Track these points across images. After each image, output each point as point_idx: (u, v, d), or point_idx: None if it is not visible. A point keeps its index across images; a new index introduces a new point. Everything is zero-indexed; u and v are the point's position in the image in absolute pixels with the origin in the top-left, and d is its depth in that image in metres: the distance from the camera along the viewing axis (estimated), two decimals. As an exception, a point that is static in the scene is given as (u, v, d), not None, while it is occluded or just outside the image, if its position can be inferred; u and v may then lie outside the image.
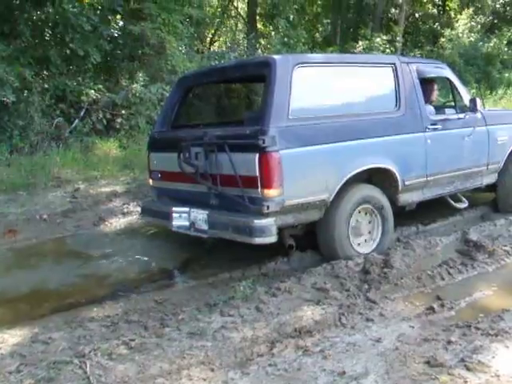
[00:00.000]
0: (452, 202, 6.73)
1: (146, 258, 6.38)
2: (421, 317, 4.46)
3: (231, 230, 5.19)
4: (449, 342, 3.91)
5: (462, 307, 4.67)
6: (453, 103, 6.90)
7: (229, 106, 11.97)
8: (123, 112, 11.29)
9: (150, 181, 6.48)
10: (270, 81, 5.13)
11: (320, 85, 5.54)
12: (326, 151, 5.27)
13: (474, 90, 17.94)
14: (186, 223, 5.62)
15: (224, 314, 4.53)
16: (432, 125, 6.16)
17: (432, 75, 6.74)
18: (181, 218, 5.66)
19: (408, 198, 6.08)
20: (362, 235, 5.73)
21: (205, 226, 5.46)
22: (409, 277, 5.18)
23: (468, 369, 3.54)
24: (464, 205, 6.85)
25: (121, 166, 9.76)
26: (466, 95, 6.69)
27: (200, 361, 3.81)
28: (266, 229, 4.96)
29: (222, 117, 10.34)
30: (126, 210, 7.68)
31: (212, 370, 3.69)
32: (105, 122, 11.19)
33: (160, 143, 6.27)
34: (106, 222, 7.26)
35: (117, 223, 7.25)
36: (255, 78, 5.80)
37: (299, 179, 5.11)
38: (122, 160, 10.02)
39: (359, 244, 5.70)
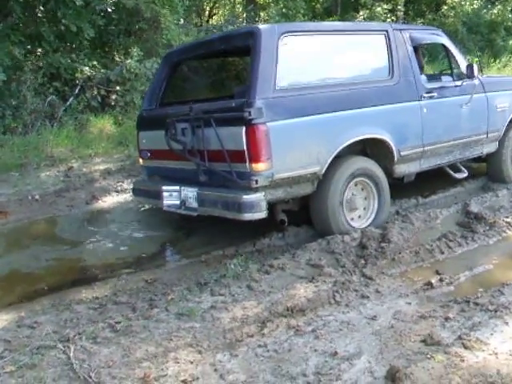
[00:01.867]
0: (451, 172, 6.53)
1: (138, 237, 6.25)
2: (418, 293, 4.32)
3: (220, 207, 5.05)
4: (446, 319, 3.78)
5: (461, 282, 4.53)
6: (449, 71, 6.66)
7: (221, 80, 11.72)
8: (118, 88, 11.06)
9: (140, 160, 6.33)
10: (255, 51, 4.93)
11: (308, 54, 5.34)
12: (315, 122, 5.09)
13: (477, 59, 17.57)
14: (177, 202, 5.48)
15: (214, 293, 4.39)
16: (427, 93, 5.95)
17: (427, 42, 6.52)
18: (171, 196, 5.51)
19: (404, 170, 5.90)
20: (358, 209, 5.56)
21: (195, 204, 5.32)
22: (407, 251, 5.02)
23: (465, 347, 3.39)
24: (464, 175, 6.65)
25: (115, 142, 9.58)
26: (463, 62, 6.45)
27: (187, 343, 3.68)
28: (256, 204, 4.80)
29: (213, 92, 10.09)
30: (119, 188, 7.52)
31: (199, 353, 3.55)
32: (99, 98, 10.95)
33: (148, 121, 6.11)
34: (99, 201, 7.11)
35: (110, 201, 7.10)
36: (241, 49, 5.56)
37: (288, 152, 4.94)
38: (117, 137, 9.84)
39: (354, 218, 5.55)
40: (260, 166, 4.78)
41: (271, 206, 5.19)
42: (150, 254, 5.82)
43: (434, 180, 6.89)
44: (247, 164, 4.82)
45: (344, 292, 4.27)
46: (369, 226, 5.51)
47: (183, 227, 6.32)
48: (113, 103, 11.04)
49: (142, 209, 6.78)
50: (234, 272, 4.69)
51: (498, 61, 18.35)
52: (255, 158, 4.77)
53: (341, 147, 5.19)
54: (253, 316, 3.99)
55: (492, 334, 3.53)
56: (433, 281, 4.46)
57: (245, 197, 4.81)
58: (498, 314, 3.79)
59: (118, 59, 11.55)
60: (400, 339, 3.56)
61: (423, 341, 3.51)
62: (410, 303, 4.11)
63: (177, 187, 5.47)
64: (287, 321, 3.87)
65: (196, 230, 6.27)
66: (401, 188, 6.43)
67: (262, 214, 4.86)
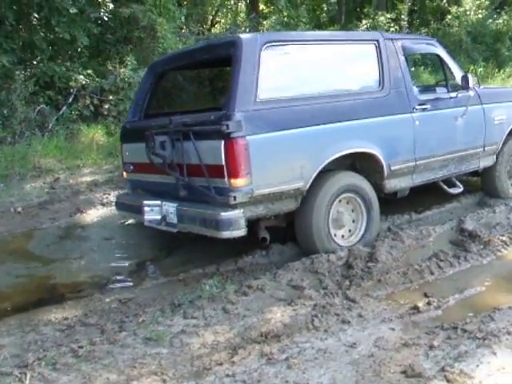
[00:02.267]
0: (445, 187, 6.26)
1: (119, 253, 6.00)
2: (403, 317, 4.06)
3: (199, 224, 4.82)
4: (431, 347, 3.53)
5: (450, 305, 4.27)
6: (444, 82, 6.39)
7: (208, 91, 11.50)
8: (111, 97, 10.86)
9: (124, 173, 6.12)
10: (235, 61, 4.71)
11: (293, 65, 5.11)
12: (299, 136, 4.84)
13: (481, 69, 17.34)
14: (158, 217, 5.25)
15: (187, 315, 4.15)
16: (420, 105, 5.69)
17: (421, 52, 6.28)
18: (152, 211, 5.28)
19: (395, 185, 5.64)
20: (345, 226, 5.30)
21: (175, 220, 5.09)
22: (394, 272, 4.77)
23: (448, 380, 3.16)
24: (459, 190, 6.37)
25: (105, 153, 9.35)
26: (458, 73, 6.18)
27: (152, 371, 3.45)
28: (234, 221, 4.56)
29: (200, 103, 9.83)
30: (105, 201, 7.28)
31: (164, 382, 3.34)
32: (92, 108, 10.74)
33: (131, 134, 5.89)
34: (84, 214, 6.87)
35: (94, 215, 6.86)
36: (224, 59, 5.30)
37: (270, 167, 4.70)
38: (108, 147, 9.61)
39: (342, 236, 5.29)
40: (239, 182, 4.54)
41: (254, 223, 4.95)
42: (128, 272, 5.58)
43: (428, 195, 6.63)
44: (226, 179, 4.59)
45: (324, 316, 4.02)
46: (357, 243, 5.25)
47: (165, 244, 6.06)
48: (105, 112, 10.82)
49: (126, 223, 6.52)
50: (210, 293, 4.44)
51: (502, 71, 18.09)
52: (234, 173, 4.53)
53: (326, 162, 4.95)
54: (224, 342, 3.75)
55: (478, 366, 3.27)
56: (420, 304, 4.21)
57: (223, 214, 4.58)
58: (486, 342, 3.52)
59: (111, 68, 11.29)
60: (379, 370, 3.31)
61: (404, 372, 3.27)
62: (393, 329, 3.85)
63: (158, 202, 5.25)
64: (260, 348, 3.63)
65: (178, 247, 6.02)
66: (394, 203, 6.18)
67: (240, 232, 4.62)
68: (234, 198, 4.54)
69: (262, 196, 4.68)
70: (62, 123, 10.09)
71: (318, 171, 4.92)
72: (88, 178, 7.88)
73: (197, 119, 5.03)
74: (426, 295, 4.42)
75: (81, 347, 3.74)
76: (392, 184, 5.59)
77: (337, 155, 5.00)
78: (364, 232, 5.36)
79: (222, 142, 4.54)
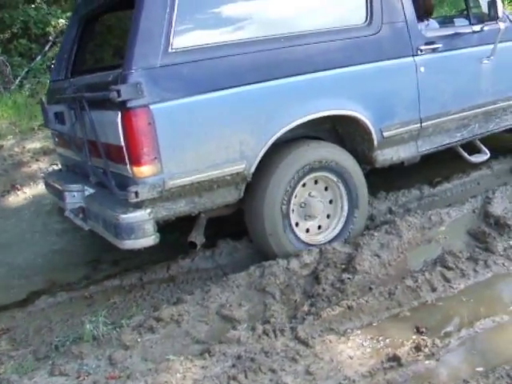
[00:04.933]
0: (465, 154, 4.64)
1: (25, 256, 4.55)
2: (374, 376, 2.63)
3: (102, 225, 3.47)
4: None
5: (452, 349, 2.82)
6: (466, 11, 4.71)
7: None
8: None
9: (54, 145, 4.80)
10: None
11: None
12: (236, 98, 3.34)
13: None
14: (76, 206, 3.88)
15: (54, 371, 2.80)
16: (427, 44, 4.06)
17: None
18: (74, 197, 3.90)
19: (391, 156, 4.10)
20: (316, 218, 3.83)
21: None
22: (377, 290, 3.30)
23: None
24: (484, 157, 4.73)
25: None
26: (483, -2, 4.44)
27: None
28: (136, 227, 3.17)
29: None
30: (49, 173, 5.91)
31: None
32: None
33: (53, 96, 4.49)
34: (18, 192, 5.56)
35: (28, 194, 5.52)
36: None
37: (189, 146, 3.25)
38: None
39: (307, 231, 3.85)
40: (142, 171, 3.13)
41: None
42: (25, 286, 4.12)
43: (448, 159, 5.01)
44: (128, 166, 3.19)
45: (248, 377, 2.62)
46: (334, 240, 3.80)
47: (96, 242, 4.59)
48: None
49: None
50: (96, 332, 3.07)
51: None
52: (134, 159, 3.13)
53: (280, 132, 3.46)
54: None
55: None
56: (404, 350, 2.78)
57: (122, 216, 3.18)
58: None
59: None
60: None
61: None
62: (352, 403, 2.44)
63: (79, 186, 3.87)
64: None
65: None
66: (401, 173, 4.70)
67: (147, 241, 3.23)
68: (136, 193, 3.13)
69: (179, 188, 3.25)
70: (32, 76, 8.71)
71: (267, 146, 3.44)
72: (38, 145, 6.49)
73: (94, 80, 3.62)
74: (417, 330, 2.99)
75: None
76: (386, 155, 4.06)
77: (296, 122, 3.50)
78: (344, 223, 3.89)
79: (119, 115, 3.13)
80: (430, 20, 4.59)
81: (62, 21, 9.56)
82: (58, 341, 3.15)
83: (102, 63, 5.94)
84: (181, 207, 3.33)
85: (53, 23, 9.55)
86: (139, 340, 2.98)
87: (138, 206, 3.19)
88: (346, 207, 3.89)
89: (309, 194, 3.79)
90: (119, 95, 3.02)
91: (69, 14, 9.34)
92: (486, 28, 4.34)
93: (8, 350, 3.19)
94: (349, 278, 3.39)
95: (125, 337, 2.98)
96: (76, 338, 3.12)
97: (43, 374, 2.80)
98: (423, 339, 2.86)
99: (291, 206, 3.66)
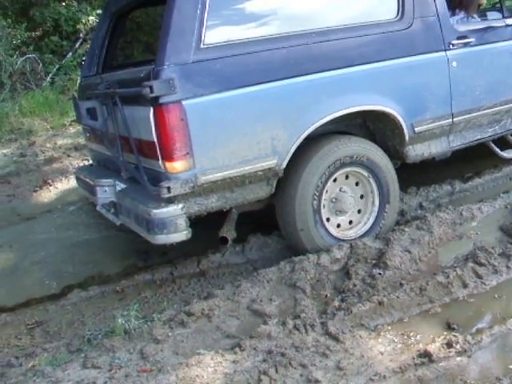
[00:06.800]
0: (497, 149, 4.60)
1: (52, 253, 4.55)
2: (405, 372, 2.63)
3: (134, 220, 3.51)
4: None
5: (484, 346, 2.80)
6: (499, 5, 4.65)
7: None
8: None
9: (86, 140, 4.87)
10: None
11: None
12: (268, 93, 3.34)
13: None
14: (108, 201, 3.93)
15: (87, 364, 2.84)
16: (460, 38, 4.03)
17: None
18: (105, 192, 3.95)
19: (423, 152, 4.07)
20: (347, 212, 3.83)
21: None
22: (408, 285, 3.29)
23: None
24: (516, 152, 4.70)
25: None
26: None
27: None
28: (169, 222, 3.20)
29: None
30: (81, 169, 5.97)
31: None
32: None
33: (84, 92, 4.53)
34: (50, 187, 5.64)
35: (60, 189, 5.60)
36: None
37: (221, 142, 3.26)
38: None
39: (339, 226, 3.85)
40: (175, 166, 3.16)
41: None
42: (58, 279, 4.14)
43: (480, 154, 4.96)
44: (160, 162, 3.23)
45: (279, 372, 2.63)
46: (365, 236, 3.80)
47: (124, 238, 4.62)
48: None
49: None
50: (128, 325, 3.10)
51: None
52: (167, 155, 3.16)
53: (311, 128, 3.46)
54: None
55: None
56: (435, 346, 2.76)
57: (154, 211, 3.21)
58: None
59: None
60: None
61: None
62: (383, 398, 2.44)
63: (110, 180, 3.92)
64: None
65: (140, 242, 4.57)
66: (432, 168, 4.69)
67: (180, 236, 3.26)
68: (168, 189, 3.16)
69: (211, 183, 3.27)
70: (63, 73, 8.80)
71: (299, 142, 3.45)
72: (69, 141, 6.58)
73: (127, 76, 3.66)
74: (449, 326, 2.98)
75: None
76: (418, 151, 4.03)
77: (328, 118, 3.50)
78: (375, 219, 3.88)
79: (151, 110, 3.16)
80: (466, 14, 4.53)
81: (92, 18, 9.66)
82: (90, 334, 3.19)
83: (133, 59, 5.97)
84: (212, 202, 3.35)
85: (83, 20, 9.66)
86: (170, 334, 3.00)
87: (171, 201, 3.22)
88: (376, 202, 3.87)
89: (340, 189, 3.79)
90: (152, 91, 3.04)
91: (99, 11, 9.50)
92: (520, 21, 4.29)
93: (42, 343, 3.24)
94: (379, 274, 3.38)
95: (156, 331, 3.01)
96: (108, 331, 3.16)
97: (76, 366, 2.84)
98: (455, 335, 2.85)
99: (322, 201, 3.66)
